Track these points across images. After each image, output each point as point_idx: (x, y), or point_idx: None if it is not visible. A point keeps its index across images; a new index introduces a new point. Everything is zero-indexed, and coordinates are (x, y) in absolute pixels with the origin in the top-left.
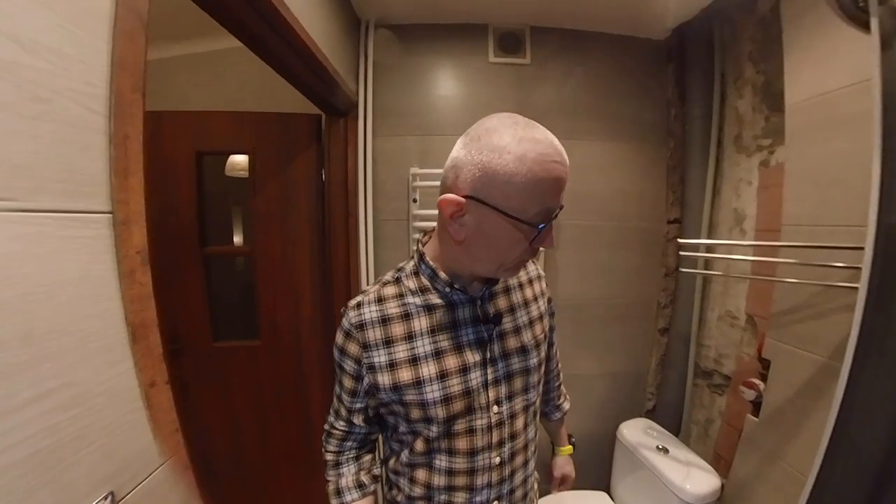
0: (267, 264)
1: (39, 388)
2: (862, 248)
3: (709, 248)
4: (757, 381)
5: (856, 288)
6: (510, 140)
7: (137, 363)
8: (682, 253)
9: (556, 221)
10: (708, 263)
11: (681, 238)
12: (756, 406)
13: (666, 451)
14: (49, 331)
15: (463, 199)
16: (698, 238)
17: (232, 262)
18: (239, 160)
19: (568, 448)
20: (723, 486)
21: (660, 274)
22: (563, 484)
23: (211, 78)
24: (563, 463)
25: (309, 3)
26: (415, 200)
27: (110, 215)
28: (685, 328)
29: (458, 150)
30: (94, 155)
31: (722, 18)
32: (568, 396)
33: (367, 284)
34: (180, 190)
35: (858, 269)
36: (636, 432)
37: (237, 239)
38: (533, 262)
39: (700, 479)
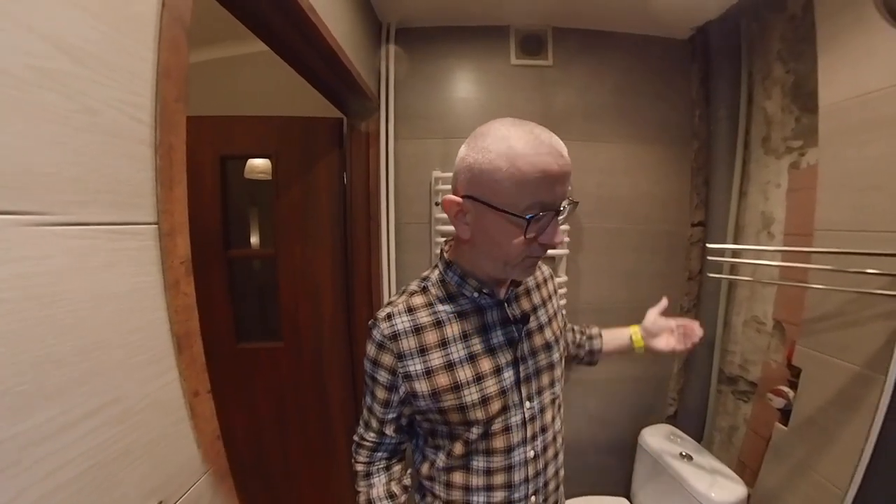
0: (289, 267)
1: (93, 403)
2: None
3: (735, 253)
4: (786, 389)
5: (895, 296)
6: (493, 139)
7: (182, 373)
8: (708, 258)
9: (574, 225)
10: (734, 268)
11: (706, 241)
12: (785, 414)
13: (690, 458)
14: (100, 345)
15: (460, 199)
16: (723, 241)
17: (249, 264)
18: (258, 163)
19: (634, 327)
20: (749, 495)
21: (683, 278)
22: (669, 324)
23: (232, 83)
24: (650, 322)
25: (334, 6)
26: (437, 204)
27: (156, 226)
28: (709, 333)
29: (459, 155)
30: (141, 166)
31: (749, 17)
32: (588, 325)
33: (389, 288)
34: (205, 193)
35: None
36: (658, 438)
37: (254, 240)
38: (541, 264)
39: (726, 487)
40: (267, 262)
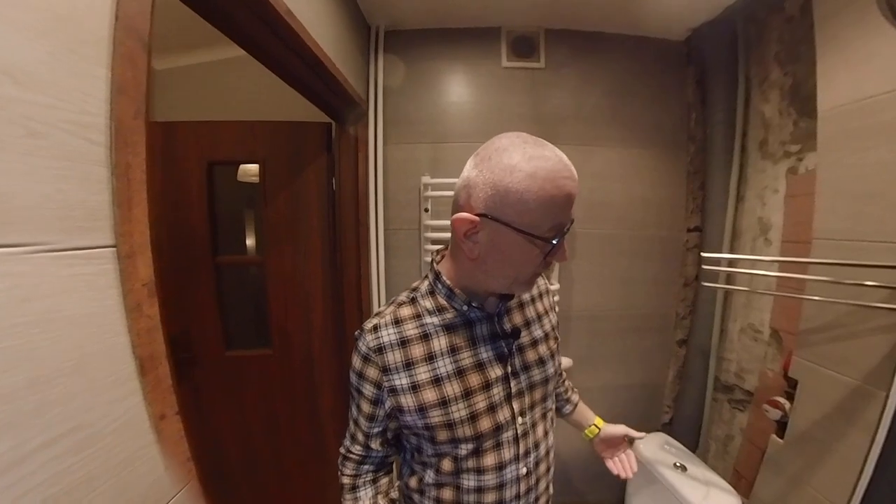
0: (278, 274)
1: (49, 433)
2: None
3: (731, 262)
4: (782, 401)
5: (895, 309)
6: (520, 158)
7: (147, 396)
8: (704, 266)
9: (569, 234)
10: (731, 275)
11: (701, 247)
12: (781, 426)
13: (684, 468)
14: (55, 374)
15: (477, 218)
16: (720, 247)
17: (245, 270)
18: (251, 165)
19: (599, 420)
20: None
21: (679, 284)
22: (625, 445)
23: (221, 87)
24: (613, 429)
25: (317, 11)
26: (426, 210)
27: (114, 249)
28: (705, 340)
29: (469, 171)
30: (95, 188)
31: (746, 18)
32: (575, 389)
33: (379, 294)
34: (192, 200)
35: None
36: (653, 447)
37: (250, 242)
38: (542, 275)
39: (719, 499)
40: (258, 268)
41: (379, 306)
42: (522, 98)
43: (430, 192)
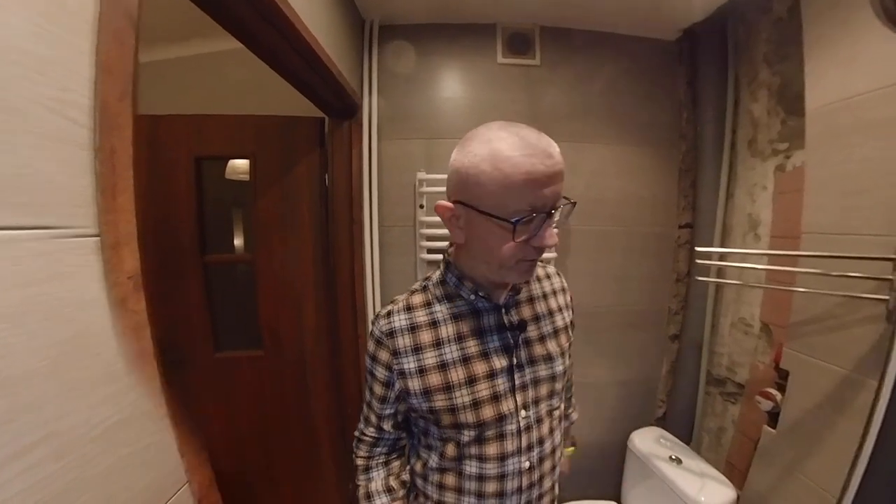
0: (268, 272)
1: (21, 442)
2: (888, 259)
3: (722, 256)
4: (774, 392)
5: (883, 300)
6: (478, 143)
7: (134, 400)
8: (696, 261)
9: (564, 223)
10: (722, 270)
11: (693, 242)
12: (772, 417)
13: (679, 461)
14: (28, 376)
15: (451, 205)
16: (711, 243)
17: (233, 269)
18: (239, 163)
19: (570, 449)
20: (738, 496)
21: (671, 280)
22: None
23: (210, 80)
24: (563, 462)
25: (312, 1)
26: (421, 206)
27: (98, 239)
28: (697, 335)
29: (451, 160)
30: (77, 172)
31: (736, 19)
32: (577, 406)
33: (374, 293)
34: (179, 197)
35: (884, 279)
36: (648, 441)
37: (238, 242)
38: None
39: (715, 490)
40: (248, 267)
41: (374, 305)
42: (518, 95)
43: (425, 189)
